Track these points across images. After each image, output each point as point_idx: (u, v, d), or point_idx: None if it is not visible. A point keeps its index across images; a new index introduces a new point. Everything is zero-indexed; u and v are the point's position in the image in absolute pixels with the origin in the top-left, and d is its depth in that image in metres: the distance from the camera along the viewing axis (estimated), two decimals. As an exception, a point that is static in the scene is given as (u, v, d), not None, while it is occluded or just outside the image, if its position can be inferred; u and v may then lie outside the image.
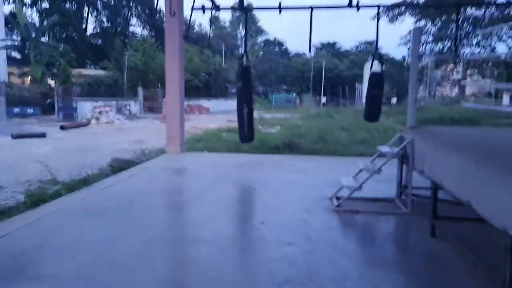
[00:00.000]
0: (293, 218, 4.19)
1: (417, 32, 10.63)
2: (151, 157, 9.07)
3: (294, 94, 49.29)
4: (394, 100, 48.15)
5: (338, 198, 4.82)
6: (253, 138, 6.70)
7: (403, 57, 28.76)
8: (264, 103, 43.13)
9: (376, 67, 6.98)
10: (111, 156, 8.61)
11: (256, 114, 19.50)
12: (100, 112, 19.53)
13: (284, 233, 3.69)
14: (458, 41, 25.21)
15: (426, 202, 4.17)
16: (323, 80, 55.75)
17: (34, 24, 33.24)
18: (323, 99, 46.30)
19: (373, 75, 6.57)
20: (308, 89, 55.95)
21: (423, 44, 28.20)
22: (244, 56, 6.70)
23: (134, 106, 24.45)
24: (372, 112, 6.60)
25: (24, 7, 34.28)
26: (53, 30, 44.73)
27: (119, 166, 7.35)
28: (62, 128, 15.65)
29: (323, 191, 5.20)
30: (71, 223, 3.98)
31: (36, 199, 5.18)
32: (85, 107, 20.56)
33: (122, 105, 23.22)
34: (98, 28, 48.54)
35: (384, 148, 4.86)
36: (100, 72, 28.12)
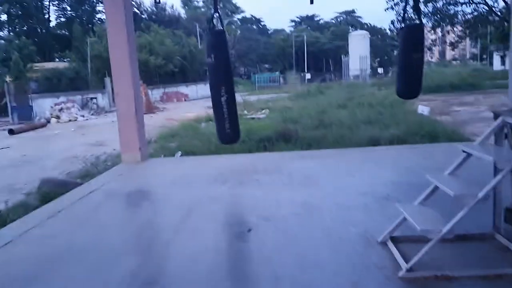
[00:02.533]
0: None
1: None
2: (105, 167, 6.87)
3: (277, 73, 46.89)
4: (380, 70, 46.18)
5: (395, 240, 2.74)
6: (238, 137, 4.59)
7: (392, 22, 26.32)
8: (247, 84, 40.72)
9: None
10: (47, 174, 6.39)
11: (239, 97, 17.29)
12: (60, 110, 17.05)
13: None
14: None
15: None
16: (305, 55, 53.46)
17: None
18: (308, 75, 44.02)
19: (409, 30, 4.42)
20: (291, 66, 53.57)
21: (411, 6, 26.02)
22: (215, 18, 4.51)
23: (103, 99, 21.89)
24: (410, 85, 4.46)
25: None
26: (12, 23, 41.35)
27: (49, 191, 5.14)
28: (10, 132, 13.22)
29: (361, 223, 3.11)
30: None
31: None
32: (44, 105, 18.03)
33: (87, 99, 20.63)
34: (63, 18, 45.22)
35: (481, 150, 2.66)
36: (60, 65, 25.30)
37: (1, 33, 36.21)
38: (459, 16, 24.61)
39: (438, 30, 29.58)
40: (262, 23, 74.26)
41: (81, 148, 9.59)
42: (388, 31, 31.84)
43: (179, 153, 7.97)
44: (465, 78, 25.05)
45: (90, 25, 37.28)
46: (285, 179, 4.63)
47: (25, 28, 41.86)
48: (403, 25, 4.40)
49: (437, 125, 9.03)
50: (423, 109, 10.71)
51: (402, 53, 4.36)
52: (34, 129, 14.37)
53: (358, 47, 36.04)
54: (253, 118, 13.30)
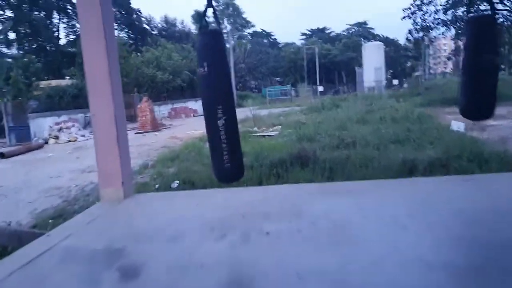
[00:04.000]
0: None
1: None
2: (86, 203, 5.70)
3: (289, 86, 45.80)
4: (395, 81, 44.67)
5: None
6: (240, 174, 3.40)
7: (410, 31, 25.04)
8: (257, 98, 39.64)
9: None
10: (16, 213, 5.22)
11: (248, 112, 16.16)
12: (60, 129, 16.06)
13: None
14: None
15: None
16: (317, 67, 52.34)
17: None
18: (320, 88, 42.75)
19: (480, 24, 3.16)
20: (302, 79, 52.45)
21: (430, 15, 24.74)
22: (207, 15, 3.39)
23: (107, 117, 20.84)
24: (481, 101, 3.19)
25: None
26: (21, 41, 41.22)
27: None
28: (0, 155, 12.21)
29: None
30: None
31: None
32: (45, 124, 17.08)
33: (90, 117, 19.58)
34: (73, 36, 45.00)
35: None
36: (63, 82, 24.45)
37: (9, 51, 35.84)
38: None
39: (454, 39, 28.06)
40: (272, 37, 73.82)
41: (70, 175, 8.46)
42: (406, 40, 30.37)
43: (176, 182, 6.78)
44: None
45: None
46: (307, 231, 3.35)
47: (34, 46, 41.71)
48: (470, 16, 3.17)
49: (480, 145, 7.68)
50: (458, 125, 9.36)
51: (471, 55, 3.09)
52: (28, 151, 13.35)
53: (373, 58, 34.71)
54: (264, 136, 12.09)
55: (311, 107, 19.87)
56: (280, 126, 13.86)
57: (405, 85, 48.64)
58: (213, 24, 3.58)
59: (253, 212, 3.90)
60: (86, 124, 19.18)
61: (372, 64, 34.31)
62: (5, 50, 35.19)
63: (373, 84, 32.96)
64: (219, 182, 3.45)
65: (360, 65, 41.78)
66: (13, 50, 38.47)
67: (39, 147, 14.20)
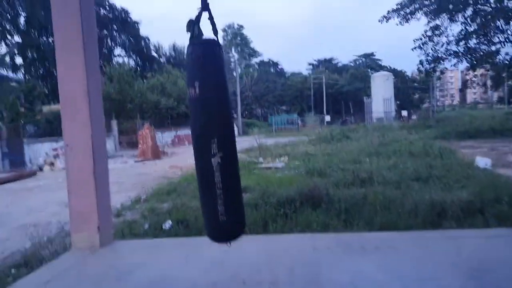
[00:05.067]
0: None
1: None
2: (62, 246, 4.83)
3: (295, 115, 45.24)
4: (404, 112, 44.02)
5: None
6: (241, 230, 2.50)
7: (421, 62, 24.47)
8: (264, 126, 38.96)
9: None
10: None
11: (254, 141, 15.35)
12: (56, 156, 15.33)
13: None
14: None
15: None
16: (324, 97, 52.00)
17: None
18: (327, 118, 42.13)
19: None
20: (309, 108, 52.06)
21: (441, 45, 24.19)
22: (198, 22, 2.60)
23: (108, 143, 20.22)
24: None
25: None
26: (28, 66, 41.32)
27: None
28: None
29: None
30: None
31: None
32: (41, 150, 16.37)
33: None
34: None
35: None
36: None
37: (14, 75, 35.70)
38: (500, 56, 22.46)
39: (469, 71, 27.41)
40: (279, 67, 74.07)
41: (53, 208, 7.60)
42: (417, 71, 29.81)
43: (169, 222, 5.89)
44: (503, 122, 22.74)
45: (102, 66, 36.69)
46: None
47: (41, 71, 41.74)
48: None
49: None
50: (485, 161, 8.47)
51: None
52: (20, 178, 12.56)
53: (381, 89, 34.20)
54: (269, 168, 11.23)
55: (319, 137, 19.05)
56: (287, 157, 13.02)
57: (414, 117, 48.00)
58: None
59: (257, 279, 3.00)
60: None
61: (381, 94, 33.76)
62: (11, 74, 35.08)
63: (382, 114, 32.28)
64: (212, 241, 2.58)
65: (368, 96, 41.27)
66: (19, 75, 38.45)
67: (32, 174, 13.43)
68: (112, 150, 20.05)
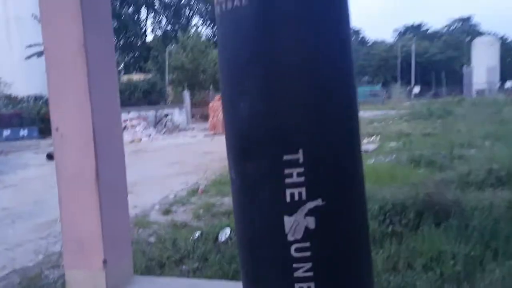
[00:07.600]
0: None
1: None
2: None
3: (379, 86, 41.58)
4: (509, 84, 38.15)
5: None
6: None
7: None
8: (343, 99, 36.12)
9: None
10: None
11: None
12: (125, 128, 14.64)
13: None
14: None
15: None
16: (412, 67, 47.22)
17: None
18: (416, 89, 37.96)
19: None
20: (394, 79, 47.70)
21: None
22: None
23: (179, 115, 19.33)
24: None
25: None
26: (110, 36, 42.36)
27: None
28: (49, 157, 10.87)
29: None
30: None
31: None
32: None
33: (162, 115, 18.17)
34: (160, 31, 45.31)
35: None
36: (136, 77, 23.34)
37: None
38: None
39: None
40: (360, 35, 69.32)
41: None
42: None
43: (227, 231, 4.28)
44: None
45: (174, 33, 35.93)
46: None
47: (122, 41, 42.50)
48: None
49: None
50: None
51: None
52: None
53: (484, 57, 29.55)
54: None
55: (413, 112, 16.27)
56: (377, 137, 10.83)
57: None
58: None
59: None
60: (157, 123, 17.76)
61: (484, 63, 29.15)
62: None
63: (484, 86, 27.88)
64: None
65: (464, 65, 36.31)
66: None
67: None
68: (183, 123, 19.15)
